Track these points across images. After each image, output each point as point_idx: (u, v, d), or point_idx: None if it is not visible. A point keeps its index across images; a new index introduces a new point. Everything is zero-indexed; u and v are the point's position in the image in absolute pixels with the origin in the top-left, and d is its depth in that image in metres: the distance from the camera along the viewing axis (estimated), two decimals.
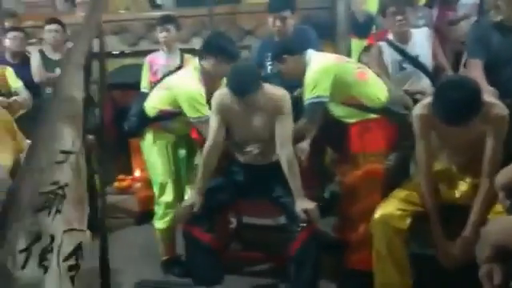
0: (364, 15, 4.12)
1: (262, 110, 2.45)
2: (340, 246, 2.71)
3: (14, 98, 3.33)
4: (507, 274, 1.25)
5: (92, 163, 2.82)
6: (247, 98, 2.36)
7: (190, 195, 2.72)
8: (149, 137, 2.82)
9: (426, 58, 3.07)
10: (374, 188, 2.46)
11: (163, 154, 2.80)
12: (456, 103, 1.91)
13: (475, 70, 2.57)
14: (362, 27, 4.10)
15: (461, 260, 2.04)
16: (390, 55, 3.08)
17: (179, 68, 3.19)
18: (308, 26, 3.22)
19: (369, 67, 2.79)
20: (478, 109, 1.94)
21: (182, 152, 2.93)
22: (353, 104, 2.63)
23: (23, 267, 1.14)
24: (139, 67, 3.66)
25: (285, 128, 2.44)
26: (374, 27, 4.10)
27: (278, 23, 2.92)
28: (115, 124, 3.39)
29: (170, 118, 2.76)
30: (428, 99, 2.12)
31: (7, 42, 3.69)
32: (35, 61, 3.70)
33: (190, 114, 2.61)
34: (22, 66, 3.66)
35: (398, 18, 3.04)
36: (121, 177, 4.26)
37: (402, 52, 3.07)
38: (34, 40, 4.20)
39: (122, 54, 4.50)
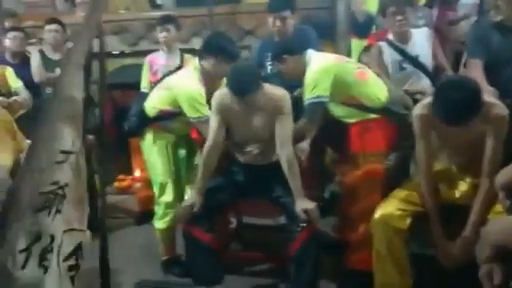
0: (364, 15, 4.12)
1: (262, 110, 2.45)
2: (340, 245, 2.71)
3: (14, 98, 3.33)
4: (507, 273, 1.25)
5: (92, 163, 2.82)
6: (247, 98, 2.36)
7: (190, 195, 2.72)
8: (149, 137, 2.82)
9: (426, 57, 3.07)
10: (374, 188, 2.46)
11: (163, 153, 2.80)
12: (456, 103, 1.91)
13: (475, 70, 2.57)
14: (362, 27, 4.10)
15: (461, 260, 2.04)
16: (389, 55, 3.08)
17: (179, 68, 3.18)
18: (308, 26, 3.22)
19: (369, 67, 2.79)
20: (478, 109, 1.94)
21: (182, 152, 2.93)
22: (353, 104, 2.63)
23: (23, 267, 1.14)
24: (139, 67, 3.66)
25: (285, 128, 2.44)
26: (374, 27, 4.10)
27: (277, 23, 2.92)
28: (115, 124, 3.38)
29: (170, 117, 2.76)
30: (428, 99, 2.12)
31: (7, 42, 3.68)
32: (35, 61, 3.70)
33: (190, 114, 2.61)
34: (22, 66, 3.66)
35: (398, 18, 3.04)
36: (121, 177, 4.25)
37: (402, 52, 3.07)
38: (33, 40, 4.20)
39: (122, 54, 4.50)
